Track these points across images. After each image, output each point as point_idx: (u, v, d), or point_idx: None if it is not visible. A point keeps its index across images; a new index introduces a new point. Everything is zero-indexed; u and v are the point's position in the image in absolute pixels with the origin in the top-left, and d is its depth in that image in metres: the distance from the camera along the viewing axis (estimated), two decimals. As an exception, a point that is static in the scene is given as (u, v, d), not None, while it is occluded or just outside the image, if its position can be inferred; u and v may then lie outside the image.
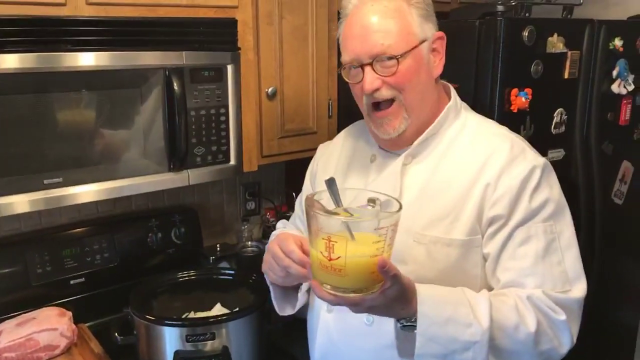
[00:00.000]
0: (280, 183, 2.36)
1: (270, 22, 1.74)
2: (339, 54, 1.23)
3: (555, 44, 1.72)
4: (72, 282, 1.77)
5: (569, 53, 1.76)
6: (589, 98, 1.87)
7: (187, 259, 1.98)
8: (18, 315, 1.60)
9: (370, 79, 1.14)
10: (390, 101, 1.17)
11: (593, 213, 1.96)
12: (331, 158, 1.39)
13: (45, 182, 1.38)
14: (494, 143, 1.18)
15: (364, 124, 1.29)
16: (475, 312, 1.04)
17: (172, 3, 1.51)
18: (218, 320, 1.51)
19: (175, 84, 1.49)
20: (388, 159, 1.25)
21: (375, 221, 0.93)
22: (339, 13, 1.25)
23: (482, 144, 1.19)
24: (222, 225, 2.23)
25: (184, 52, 1.51)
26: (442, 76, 1.27)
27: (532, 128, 1.72)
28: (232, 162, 1.68)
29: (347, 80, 1.21)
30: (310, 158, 1.49)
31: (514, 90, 1.65)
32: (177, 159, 1.55)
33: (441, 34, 1.20)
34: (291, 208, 2.05)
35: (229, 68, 1.61)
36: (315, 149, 1.50)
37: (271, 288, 1.32)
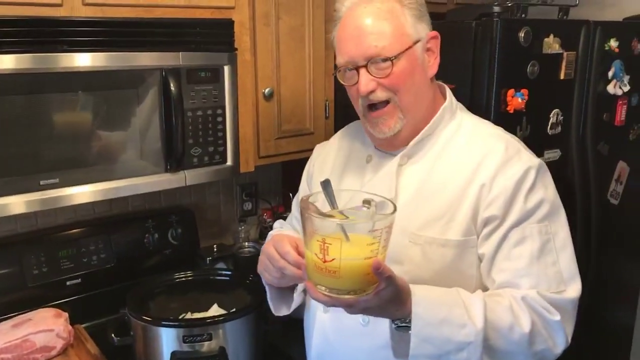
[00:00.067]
0: (277, 184, 2.36)
1: (267, 23, 1.74)
2: (336, 55, 1.23)
3: (551, 44, 1.72)
4: (68, 283, 1.77)
5: (565, 54, 1.77)
6: (584, 99, 1.88)
7: (184, 259, 1.98)
8: (14, 316, 1.60)
9: (365, 81, 1.14)
10: (386, 102, 1.17)
11: (589, 213, 1.97)
12: (327, 158, 1.39)
13: (42, 182, 1.38)
14: (489, 144, 1.19)
15: (360, 125, 1.29)
16: (470, 312, 1.04)
17: (169, 4, 1.51)
18: (215, 320, 1.51)
19: (172, 85, 1.48)
20: (384, 160, 1.26)
21: (370, 223, 0.93)
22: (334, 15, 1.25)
23: (477, 144, 1.19)
24: (218, 226, 2.23)
25: (180, 53, 1.51)
26: (439, 77, 1.27)
27: (529, 129, 1.72)
28: (229, 162, 1.68)
29: (342, 82, 1.21)
30: (307, 159, 1.50)
31: (510, 91, 1.65)
32: (173, 160, 1.55)
33: (435, 33, 1.20)
34: (288, 209, 2.05)
35: (226, 69, 1.61)
36: (312, 149, 1.50)
37: (267, 288, 1.32)
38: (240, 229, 2.20)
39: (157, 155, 1.54)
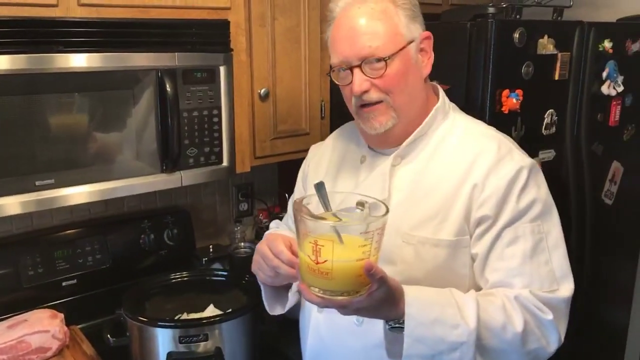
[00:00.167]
0: (273, 184, 2.36)
1: (262, 23, 1.74)
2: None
3: (546, 45, 1.73)
4: (64, 283, 1.76)
5: (559, 54, 1.77)
6: (579, 99, 1.89)
7: (180, 260, 1.98)
8: (9, 317, 1.60)
9: (359, 81, 1.15)
10: (379, 102, 1.18)
11: (583, 213, 1.98)
12: (322, 159, 1.40)
13: (37, 183, 1.38)
14: (481, 143, 1.19)
15: (354, 126, 1.29)
16: (463, 312, 1.05)
17: (165, 4, 1.51)
18: (211, 321, 1.51)
19: (167, 85, 1.49)
20: (377, 160, 1.26)
21: (361, 225, 0.94)
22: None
23: (469, 144, 1.20)
24: (214, 226, 2.23)
25: (176, 54, 1.51)
26: (434, 77, 1.28)
27: (523, 129, 1.73)
28: (225, 163, 1.68)
29: (336, 82, 1.22)
30: (303, 159, 1.50)
31: (505, 92, 1.66)
32: (169, 160, 1.55)
33: (428, 33, 1.21)
34: (284, 209, 2.06)
35: (222, 69, 1.61)
36: (308, 150, 1.50)
37: (262, 287, 1.33)
38: (236, 229, 2.20)
39: (152, 156, 1.54)
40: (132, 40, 1.44)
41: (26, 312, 1.61)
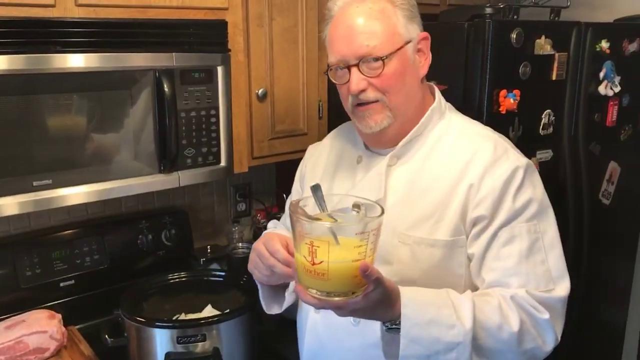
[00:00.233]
0: (270, 184, 2.36)
1: (260, 23, 1.74)
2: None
3: (543, 45, 1.74)
4: (61, 284, 1.76)
5: (557, 55, 1.78)
6: (576, 99, 1.89)
7: (178, 260, 1.98)
8: (7, 318, 1.60)
9: (357, 80, 1.15)
10: (375, 101, 1.18)
11: (581, 213, 1.98)
12: (320, 159, 1.40)
13: (35, 184, 1.37)
14: (477, 144, 1.20)
15: (352, 126, 1.30)
16: (459, 313, 1.05)
17: (162, 5, 1.51)
18: (209, 321, 1.51)
19: (165, 86, 1.49)
20: (373, 160, 1.26)
21: (357, 226, 0.94)
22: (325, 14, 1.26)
23: (465, 144, 1.20)
24: (212, 226, 2.23)
25: (174, 54, 1.51)
26: (431, 77, 1.28)
27: (521, 129, 1.74)
28: (223, 163, 1.68)
29: (333, 81, 1.22)
30: (301, 159, 1.50)
31: (503, 92, 1.66)
32: (167, 161, 1.55)
33: (426, 34, 1.21)
34: (282, 209, 2.06)
35: (219, 69, 1.61)
36: (306, 150, 1.50)
37: (259, 287, 1.33)
38: (234, 229, 2.20)
39: (150, 156, 1.54)
40: (129, 41, 1.44)
41: (24, 312, 1.61)
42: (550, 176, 1.84)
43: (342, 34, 1.16)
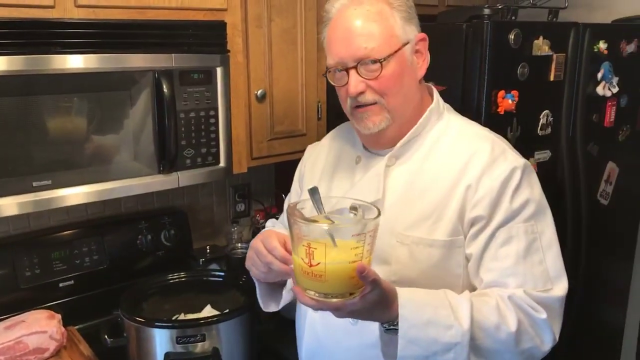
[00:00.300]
0: (269, 185, 2.37)
1: (259, 25, 1.74)
2: (328, 57, 1.25)
3: (541, 46, 1.74)
4: (61, 284, 1.77)
5: (555, 56, 1.79)
6: (574, 100, 1.90)
7: (177, 261, 1.98)
8: (7, 318, 1.60)
9: (355, 82, 1.16)
10: (373, 103, 1.19)
11: (579, 213, 1.99)
12: (319, 159, 1.41)
13: (34, 184, 1.38)
14: (475, 144, 1.20)
15: (350, 126, 1.30)
16: (456, 313, 1.06)
17: (162, 6, 1.51)
18: (208, 321, 1.52)
19: (164, 86, 1.49)
20: (372, 161, 1.27)
21: (353, 227, 0.95)
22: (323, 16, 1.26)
23: (463, 145, 1.21)
24: (211, 227, 2.23)
25: (173, 55, 1.51)
26: (430, 78, 1.28)
27: (519, 130, 1.74)
28: (222, 164, 1.69)
29: (332, 83, 1.22)
30: (300, 160, 1.50)
31: (501, 92, 1.67)
32: (166, 161, 1.55)
33: (423, 35, 1.21)
34: (281, 210, 2.06)
35: (218, 70, 1.61)
36: (305, 150, 1.51)
37: (256, 284, 1.33)
38: (233, 230, 2.21)
39: (150, 157, 1.54)
40: (129, 42, 1.45)
41: (23, 312, 1.61)
42: (548, 177, 1.85)
43: (340, 36, 1.17)
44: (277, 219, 1.66)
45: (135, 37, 1.46)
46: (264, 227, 1.63)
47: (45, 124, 1.38)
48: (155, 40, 1.49)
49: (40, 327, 1.54)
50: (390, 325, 1.06)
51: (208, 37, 1.59)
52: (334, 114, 1.93)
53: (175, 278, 1.76)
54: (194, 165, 1.62)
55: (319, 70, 1.91)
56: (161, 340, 1.48)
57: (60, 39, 1.35)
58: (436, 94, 1.29)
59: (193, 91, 1.57)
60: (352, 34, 1.14)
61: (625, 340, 2.49)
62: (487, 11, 1.75)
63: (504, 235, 1.14)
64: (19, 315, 1.59)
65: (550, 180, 1.88)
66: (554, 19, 1.99)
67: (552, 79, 1.81)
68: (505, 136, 1.63)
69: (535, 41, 1.72)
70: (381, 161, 1.24)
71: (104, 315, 1.64)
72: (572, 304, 1.98)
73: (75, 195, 1.44)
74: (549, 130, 1.85)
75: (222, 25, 1.61)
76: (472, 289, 1.19)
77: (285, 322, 1.61)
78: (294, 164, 1.52)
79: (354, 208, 1.05)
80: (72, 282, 1.78)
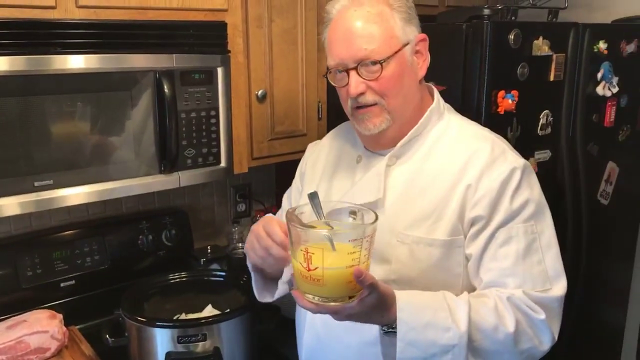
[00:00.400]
0: (270, 185, 2.37)
1: (259, 25, 1.75)
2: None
3: (541, 46, 1.75)
4: (62, 284, 1.77)
5: (554, 56, 1.79)
6: (574, 100, 1.90)
7: (178, 261, 1.99)
8: (8, 318, 1.60)
9: (355, 83, 1.16)
10: (374, 104, 1.19)
11: (579, 213, 1.99)
12: (319, 158, 1.41)
13: (36, 184, 1.38)
14: (475, 144, 1.20)
15: (351, 126, 1.31)
16: (454, 315, 1.06)
17: (162, 6, 1.52)
18: (209, 321, 1.52)
19: (165, 87, 1.49)
20: (373, 160, 1.27)
21: (350, 233, 0.97)
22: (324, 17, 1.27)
23: (463, 145, 1.21)
24: (212, 227, 2.23)
25: (174, 55, 1.52)
26: (430, 78, 1.29)
27: (519, 130, 1.74)
28: (223, 164, 1.69)
29: (333, 83, 1.23)
30: (301, 160, 1.51)
31: (501, 93, 1.67)
32: (167, 161, 1.56)
33: (423, 35, 1.22)
34: (281, 209, 2.06)
35: (219, 71, 1.62)
36: (305, 150, 1.51)
37: (252, 275, 1.34)
38: (233, 230, 2.21)
39: (151, 157, 1.55)
40: (130, 42, 1.45)
41: (25, 312, 1.62)
42: (548, 177, 1.85)
43: (340, 37, 1.17)
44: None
45: (136, 38, 1.46)
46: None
47: (46, 124, 1.38)
48: (156, 40, 1.49)
49: (42, 326, 1.54)
50: (389, 328, 1.07)
51: (209, 37, 1.59)
52: (334, 114, 1.94)
53: (176, 278, 1.77)
54: (194, 165, 1.63)
55: (319, 71, 1.91)
56: (162, 339, 1.49)
57: (62, 39, 1.35)
58: (437, 94, 1.29)
59: (194, 91, 1.58)
60: (353, 35, 1.15)
61: (626, 340, 2.49)
62: (487, 11, 1.76)
63: (504, 236, 1.14)
64: (21, 315, 1.60)
65: (551, 180, 1.89)
66: (554, 19, 1.99)
67: (552, 79, 1.81)
68: (505, 136, 1.63)
69: (535, 41, 1.73)
70: (382, 161, 1.24)
71: (105, 315, 1.65)
72: (572, 304, 1.98)
73: (76, 195, 1.45)
74: (549, 130, 1.85)
75: (222, 25, 1.62)
76: (472, 288, 1.19)
77: (286, 321, 1.61)
78: (295, 164, 1.52)
79: (353, 213, 1.07)
80: (73, 282, 1.79)
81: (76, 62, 1.38)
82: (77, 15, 1.39)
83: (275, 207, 2.33)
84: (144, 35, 1.47)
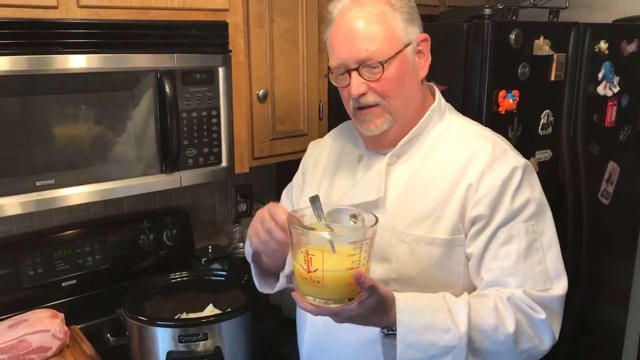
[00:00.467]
0: (271, 184, 2.37)
1: (260, 25, 1.75)
2: (329, 57, 1.25)
3: (542, 46, 1.75)
4: (63, 284, 1.77)
5: (555, 55, 1.79)
6: (575, 100, 1.90)
7: (179, 260, 1.99)
8: (10, 317, 1.61)
9: (357, 84, 1.16)
10: (375, 105, 1.19)
11: (580, 213, 1.99)
12: (321, 156, 1.41)
13: (37, 184, 1.38)
14: (476, 144, 1.21)
15: (352, 125, 1.31)
16: (454, 317, 1.07)
17: (164, 6, 1.52)
18: (210, 320, 1.52)
19: (166, 86, 1.50)
20: (374, 159, 1.28)
21: (349, 235, 0.98)
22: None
23: (464, 144, 1.21)
24: (213, 226, 2.23)
25: (175, 55, 1.52)
26: (431, 78, 1.29)
27: (520, 129, 1.75)
28: (224, 163, 1.69)
29: (335, 84, 1.23)
30: (301, 159, 1.51)
31: (502, 92, 1.67)
32: (169, 161, 1.56)
33: (425, 35, 1.22)
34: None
35: (220, 70, 1.62)
36: (306, 150, 1.51)
37: (252, 266, 1.34)
38: (235, 229, 2.21)
39: (152, 157, 1.55)
40: (131, 42, 1.45)
41: (26, 312, 1.62)
42: (549, 176, 1.85)
43: (342, 38, 1.17)
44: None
45: (138, 38, 1.46)
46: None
47: (47, 124, 1.39)
48: (157, 40, 1.50)
49: (43, 326, 1.55)
50: (389, 331, 1.07)
51: (210, 37, 1.59)
52: (335, 114, 1.94)
53: (178, 277, 1.77)
54: (196, 165, 1.63)
55: (320, 70, 1.91)
56: (163, 339, 1.49)
57: (63, 39, 1.36)
58: (438, 94, 1.30)
59: (195, 91, 1.58)
60: (354, 36, 1.15)
61: (627, 340, 2.49)
62: (487, 11, 1.76)
63: (505, 235, 1.15)
64: (22, 315, 1.60)
65: (551, 180, 1.89)
66: (555, 19, 1.99)
67: (552, 78, 1.81)
68: (506, 136, 1.63)
69: (536, 41, 1.73)
70: (383, 159, 1.25)
71: (107, 315, 1.65)
72: (573, 303, 1.98)
73: (77, 194, 1.45)
74: (549, 130, 1.85)
75: (224, 25, 1.62)
76: (472, 287, 1.19)
77: (287, 321, 1.61)
78: (296, 163, 1.52)
79: (354, 216, 1.08)
80: (74, 281, 1.79)
81: (77, 62, 1.38)
82: (79, 15, 1.40)
83: (276, 206, 2.33)
84: (145, 35, 1.48)
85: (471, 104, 1.66)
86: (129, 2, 1.46)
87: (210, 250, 2.12)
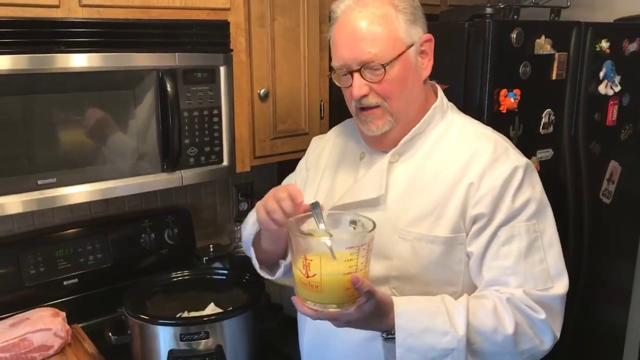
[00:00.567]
0: (272, 184, 2.36)
1: (262, 24, 1.75)
2: (331, 56, 1.25)
3: (543, 45, 1.74)
4: (65, 282, 1.78)
5: (557, 54, 1.79)
6: (576, 99, 1.90)
7: (181, 259, 1.99)
8: (11, 316, 1.61)
9: (359, 85, 1.16)
10: (377, 106, 1.19)
11: (581, 212, 1.99)
12: (323, 152, 1.41)
13: (39, 182, 1.39)
14: (477, 143, 1.21)
15: (355, 123, 1.31)
16: (452, 319, 1.07)
17: (165, 5, 1.52)
18: (212, 319, 1.53)
19: (168, 85, 1.50)
20: (376, 157, 1.28)
21: (347, 241, 1.00)
22: (329, 16, 1.27)
23: (466, 143, 1.21)
24: (215, 226, 2.24)
25: (176, 54, 1.52)
26: (432, 77, 1.29)
27: (521, 128, 1.75)
28: (225, 162, 1.69)
29: (337, 84, 1.23)
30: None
31: (503, 91, 1.67)
32: (170, 160, 1.56)
33: (429, 36, 1.22)
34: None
35: (222, 69, 1.62)
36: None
37: (252, 251, 1.35)
38: (236, 229, 2.21)
39: (153, 156, 1.55)
40: (133, 41, 1.46)
41: (28, 310, 1.62)
42: (550, 175, 1.85)
43: (344, 39, 1.17)
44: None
45: (139, 37, 1.47)
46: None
47: (49, 122, 1.39)
48: (159, 39, 1.50)
49: (45, 324, 1.55)
50: (389, 334, 1.08)
51: (211, 36, 1.59)
52: (336, 113, 1.94)
53: (179, 276, 1.77)
54: (197, 164, 1.63)
55: (321, 69, 1.91)
56: (165, 337, 1.49)
57: (65, 38, 1.36)
58: (440, 92, 1.30)
59: (196, 90, 1.58)
60: (357, 38, 1.15)
61: (628, 340, 2.49)
62: (489, 10, 1.76)
63: (506, 234, 1.15)
64: (24, 313, 1.61)
65: (553, 179, 1.89)
66: (556, 18, 1.99)
67: (554, 77, 1.81)
68: (507, 135, 1.63)
69: (537, 40, 1.73)
70: (385, 157, 1.25)
71: (108, 313, 1.66)
72: (574, 303, 1.98)
73: (79, 193, 1.45)
74: (551, 129, 1.85)
75: (225, 24, 1.62)
76: (472, 285, 1.19)
77: (288, 320, 1.61)
78: (297, 163, 1.52)
79: (353, 222, 1.09)
80: (76, 280, 1.79)
81: (79, 61, 1.38)
82: (81, 14, 1.40)
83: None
84: (146, 34, 1.48)
85: (472, 103, 1.66)
86: (131, 2, 1.46)
87: (211, 249, 2.12)
